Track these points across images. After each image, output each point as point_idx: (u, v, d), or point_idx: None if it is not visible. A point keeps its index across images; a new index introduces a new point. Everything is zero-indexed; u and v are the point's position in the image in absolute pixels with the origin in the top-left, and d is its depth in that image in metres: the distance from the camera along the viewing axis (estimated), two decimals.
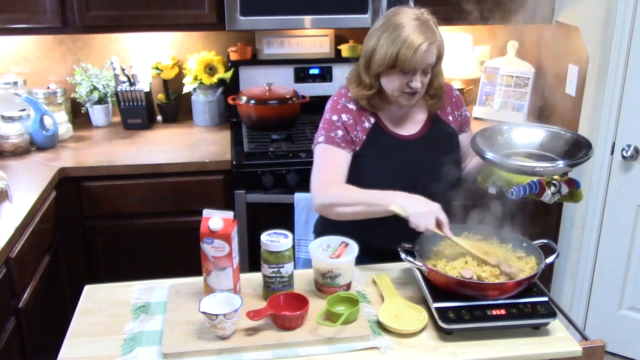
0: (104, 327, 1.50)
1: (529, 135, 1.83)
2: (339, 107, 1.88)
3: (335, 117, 1.86)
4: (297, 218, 2.24)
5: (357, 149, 1.85)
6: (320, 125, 1.89)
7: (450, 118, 1.96)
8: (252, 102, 2.78)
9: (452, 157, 1.89)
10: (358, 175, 1.82)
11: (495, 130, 1.86)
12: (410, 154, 1.87)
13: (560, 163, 1.67)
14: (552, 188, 1.65)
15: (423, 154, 1.87)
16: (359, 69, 1.86)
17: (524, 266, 1.57)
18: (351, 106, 1.87)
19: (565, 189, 1.66)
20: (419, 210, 1.61)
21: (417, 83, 1.76)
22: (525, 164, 1.66)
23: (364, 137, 1.86)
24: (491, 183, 1.70)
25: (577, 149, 1.73)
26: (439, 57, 1.80)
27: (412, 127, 1.91)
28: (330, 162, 1.83)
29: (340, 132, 1.83)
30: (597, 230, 2.74)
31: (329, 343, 1.42)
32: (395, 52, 1.71)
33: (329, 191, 1.77)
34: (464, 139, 1.99)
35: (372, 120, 1.88)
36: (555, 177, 1.71)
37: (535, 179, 1.68)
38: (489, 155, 1.68)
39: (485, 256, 1.59)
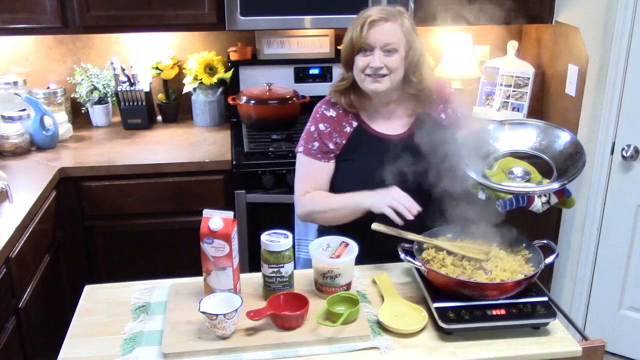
0: (104, 327, 1.50)
1: (518, 135, 1.77)
2: (317, 116, 1.93)
3: (312, 128, 1.92)
4: (297, 218, 2.24)
5: (338, 153, 1.89)
6: (303, 133, 1.96)
7: (443, 115, 1.94)
8: (252, 102, 2.78)
9: (442, 155, 1.81)
10: (345, 179, 1.85)
11: (481, 133, 1.80)
12: (396, 153, 1.83)
13: (554, 184, 1.61)
14: (542, 198, 1.62)
15: (410, 153, 1.83)
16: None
17: (520, 267, 1.57)
18: (330, 113, 1.91)
19: (554, 199, 1.63)
20: (377, 199, 1.70)
21: (376, 62, 1.77)
22: (515, 189, 1.60)
23: (344, 141, 1.89)
24: (480, 189, 1.68)
25: (570, 153, 1.68)
26: (409, 47, 1.79)
27: (398, 126, 1.91)
28: (306, 173, 1.92)
29: (316, 144, 1.90)
30: (597, 230, 2.74)
31: (329, 343, 1.42)
32: (353, 31, 1.79)
33: (303, 201, 1.88)
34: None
35: (355, 124, 1.90)
36: None
37: None
38: (473, 174, 1.63)
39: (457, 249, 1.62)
